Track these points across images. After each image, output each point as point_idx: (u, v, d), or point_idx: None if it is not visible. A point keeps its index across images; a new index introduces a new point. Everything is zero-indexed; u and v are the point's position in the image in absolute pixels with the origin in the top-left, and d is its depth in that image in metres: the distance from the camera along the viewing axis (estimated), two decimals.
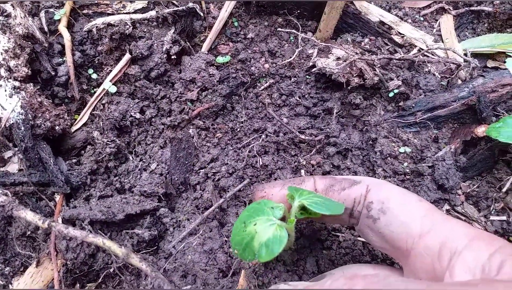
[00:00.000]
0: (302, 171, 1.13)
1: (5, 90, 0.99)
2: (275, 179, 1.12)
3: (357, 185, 0.75)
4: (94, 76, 1.19)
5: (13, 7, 1.15)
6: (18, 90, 1.00)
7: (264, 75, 1.25)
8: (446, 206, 1.02)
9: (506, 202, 0.99)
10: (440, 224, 0.63)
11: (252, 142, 1.16)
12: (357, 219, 0.75)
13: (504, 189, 1.00)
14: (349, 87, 1.15)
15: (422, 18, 1.36)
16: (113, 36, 1.13)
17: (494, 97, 1.06)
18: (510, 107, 1.11)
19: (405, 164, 1.07)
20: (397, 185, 1.06)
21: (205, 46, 1.25)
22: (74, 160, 1.09)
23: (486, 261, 0.54)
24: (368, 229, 0.73)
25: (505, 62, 1.26)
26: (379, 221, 0.69)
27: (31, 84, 1.06)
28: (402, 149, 1.08)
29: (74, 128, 1.13)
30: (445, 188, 1.01)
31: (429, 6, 1.38)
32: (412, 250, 0.64)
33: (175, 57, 1.19)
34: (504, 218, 0.99)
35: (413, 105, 1.12)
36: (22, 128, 0.96)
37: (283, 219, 0.73)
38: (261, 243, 0.68)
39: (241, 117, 1.21)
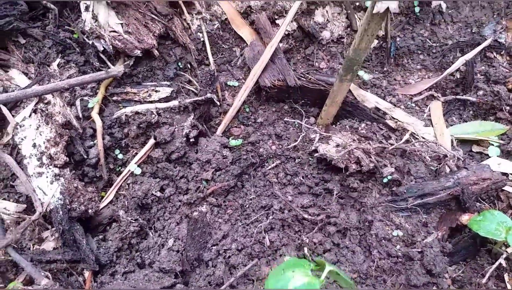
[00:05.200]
0: (305, 248, 1.25)
1: (47, 177, 1.14)
2: (280, 255, 1.24)
3: None
4: (120, 156, 1.34)
5: (53, 95, 1.32)
6: (58, 177, 1.15)
7: (271, 156, 1.39)
8: (434, 289, 1.14)
9: (488, 287, 1.10)
10: None
11: (260, 218, 1.29)
12: None
13: (486, 276, 1.11)
14: (347, 172, 1.29)
15: (413, 104, 1.51)
16: (141, 125, 1.29)
17: (476, 189, 1.19)
18: (491, 197, 1.24)
19: (398, 247, 1.19)
20: (391, 267, 1.18)
21: (220, 129, 1.41)
22: (100, 236, 1.22)
23: None
24: None
25: (488, 148, 1.41)
26: None
27: (68, 169, 1.21)
28: (395, 233, 1.21)
29: (101, 206, 1.26)
30: (433, 273, 1.12)
31: (420, 93, 1.54)
32: None
33: (193, 139, 1.35)
34: None
35: (405, 191, 1.25)
36: (61, 212, 1.10)
37: None
38: (295, 287, 0.79)
39: (250, 194, 1.34)
